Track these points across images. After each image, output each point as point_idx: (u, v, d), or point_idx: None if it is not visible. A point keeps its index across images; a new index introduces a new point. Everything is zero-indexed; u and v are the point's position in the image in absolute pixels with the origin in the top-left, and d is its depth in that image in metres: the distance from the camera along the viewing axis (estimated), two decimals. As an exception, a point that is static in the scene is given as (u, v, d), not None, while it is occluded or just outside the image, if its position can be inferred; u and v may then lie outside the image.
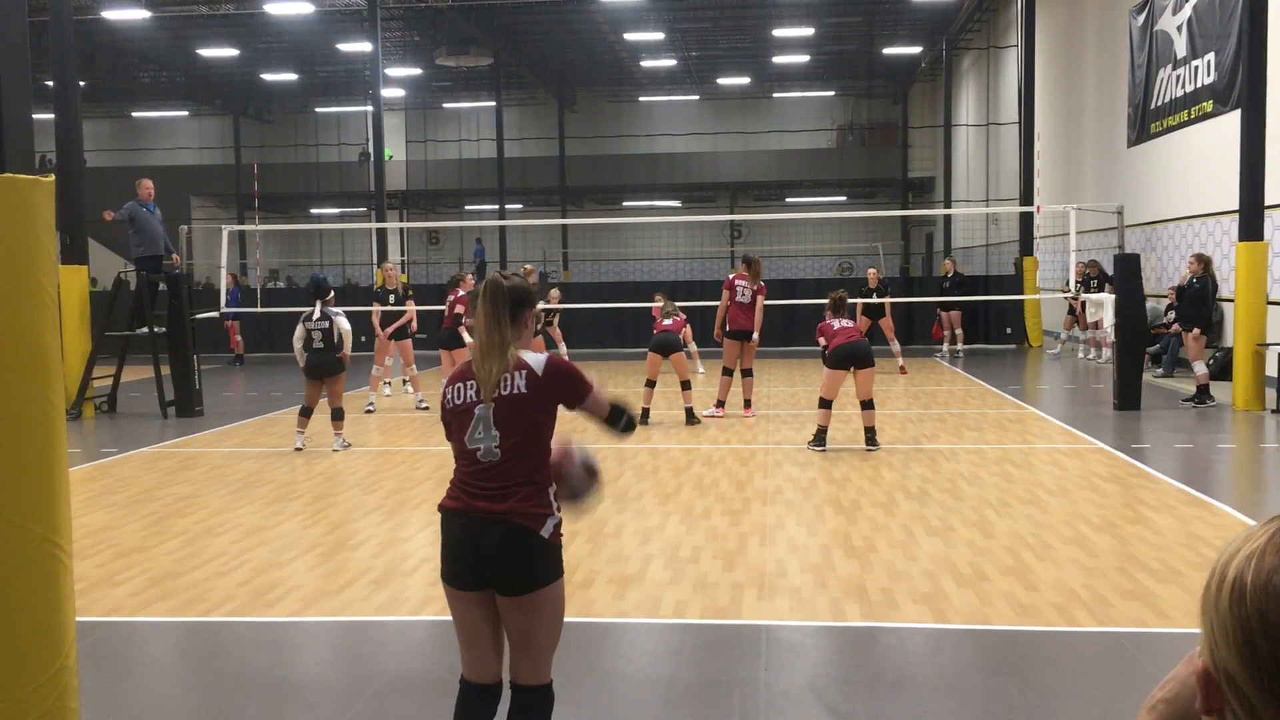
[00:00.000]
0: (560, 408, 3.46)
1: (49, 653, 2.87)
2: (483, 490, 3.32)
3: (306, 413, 10.89)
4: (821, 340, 10.41)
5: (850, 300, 11.80)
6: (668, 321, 12.66)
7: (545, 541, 3.32)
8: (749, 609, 5.56)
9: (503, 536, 3.27)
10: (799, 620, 5.40)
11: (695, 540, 6.97)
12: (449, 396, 3.42)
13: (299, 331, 10.77)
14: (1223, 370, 13.68)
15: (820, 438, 10.31)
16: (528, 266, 14.64)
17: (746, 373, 12.52)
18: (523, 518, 3.29)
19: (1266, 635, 0.93)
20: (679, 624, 5.41)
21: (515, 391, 3.33)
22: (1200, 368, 12.80)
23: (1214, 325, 13.52)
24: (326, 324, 10.68)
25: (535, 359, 3.40)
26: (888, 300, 17.68)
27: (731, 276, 12.40)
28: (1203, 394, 12.75)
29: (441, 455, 10.51)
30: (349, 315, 11.23)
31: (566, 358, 13.65)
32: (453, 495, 3.40)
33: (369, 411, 13.57)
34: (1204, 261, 13.15)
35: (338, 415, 10.85)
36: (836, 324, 10.28)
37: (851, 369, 10.12)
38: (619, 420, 3.62)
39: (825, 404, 10.29)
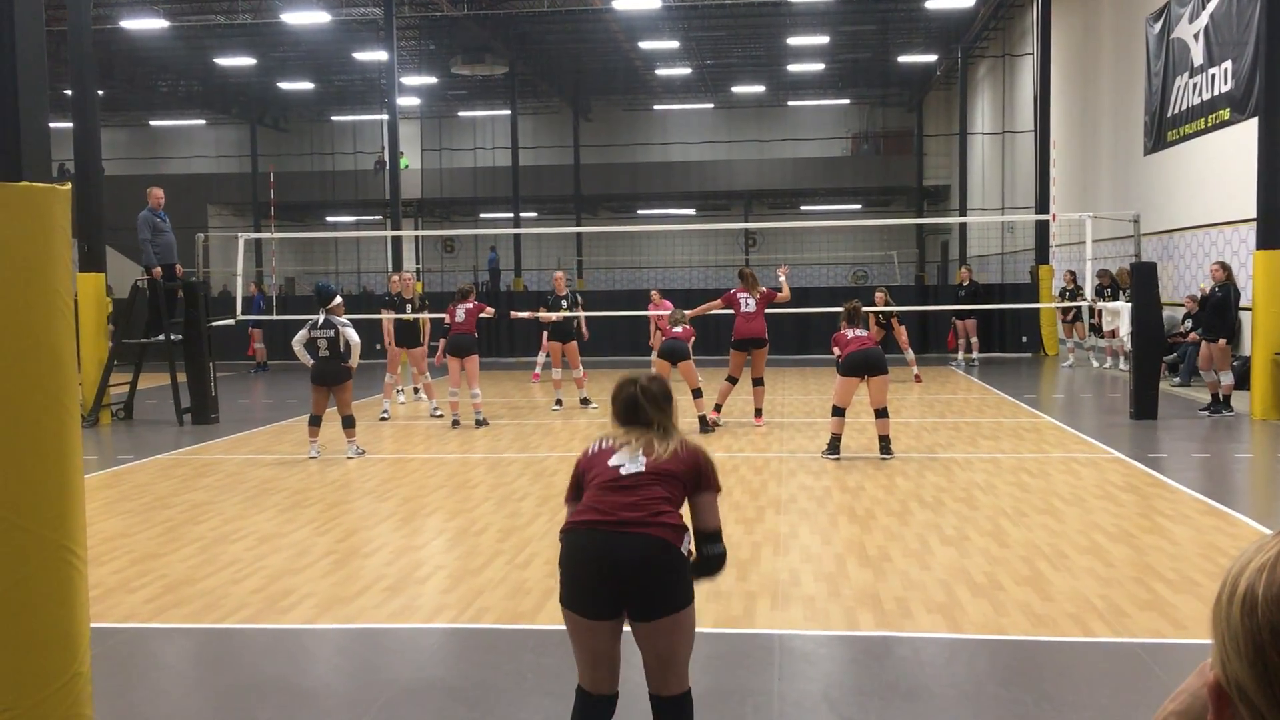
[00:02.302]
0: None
1: (64, 658, 2.88)
2: (621, 504, 3.33)
3: (316, 421, 10.92)
4: (836, 349, 10.41)
5: (865, 309, 11.79)
6: (677, 330, 12.68)
7: (683, 559, 3.35)
8: (762, 618, 5.55)
9: (642, 551, 3.26)
10: (813, 630, 5.38)
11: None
12: (592, 449, 3.55)
13: (301, 335, 10.80)
14: (1240, 379, 13.59)
15: (834, 446, 10.29)
16: (558, 274, 14.73)
17: (758, 382, 12.51)
18: (662, 530, 3.30)
19: (1278, 647, 0.92)
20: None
21: (654, 456, 3.45)
22: (1227, 377, 12.71)
23: (1234, 334, 13.42)
24: (332, 332, 10.70)
25: (672, 443, 3.52)
26: (895, 316, 17.65)
27: (733, 291, 12.41)
28: (1223, 403, 12.67)
29: (455, 463, 10.53)
30: (364, 322, 11.26)
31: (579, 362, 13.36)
32: (582, 512, 3.40)
33: (383, 419, 13.61)
34: (1227, 269, 13.06)
35: (349, 423, 10.88)
36: (850, 333, 10.28)
37: (864, 377, 10.11)
38: (716, 546, 3.50)
39: (839, 412, 10.27)
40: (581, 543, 3.34)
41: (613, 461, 3.43)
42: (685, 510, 3.50)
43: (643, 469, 3.39)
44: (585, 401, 14.42)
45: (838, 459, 10.17)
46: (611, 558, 3.26)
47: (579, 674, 3.48)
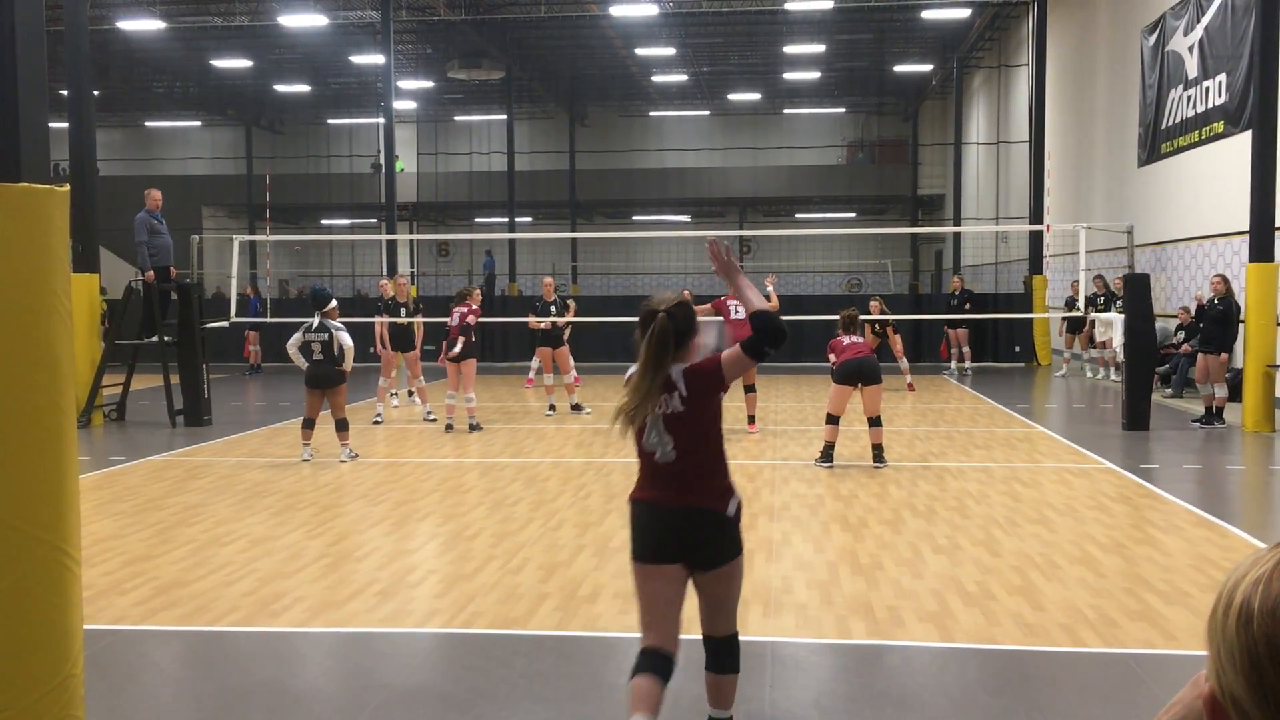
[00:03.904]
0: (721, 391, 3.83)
1: (56, 660, 2.88)
2: (669, 486, 3.72)
3: (309, 424, 10.91)
4: (832, 357, 10.43)
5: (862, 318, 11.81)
6: None
7: (730, 520, 3.76)
8: (754, 625, 5.55)
9: (696, 521, 3.70)
10: (805, 637, 5.38)
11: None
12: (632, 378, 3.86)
13: (296, 338, 10.80)
14: (1232, 392, 13.63)
15: (828, 454, 10.31)
16: (547, 279, 14.72)
17: (750, 389, 12.53)
18: (709, 500, 3.72)
19: (1273, 661, 0.93)
20: (684, 639, 5.38)
21: (672, 410, 3.73)
22: (1221, 389, 12.75)
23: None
24: (325, 336, 10.70)
25: (676, 372, 3.74)
26: (890, 325, 17.67)
27: (723, 298, 12.42)
28: (1216, 415, 12.70)
29: (448, 468, 10.53)
30: (359, 326, 11.26)
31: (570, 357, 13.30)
32: (641, 488, 3.81)
33: (377, 423, 13.60)
34: (1228, 282, 13.09)
35: (342, 426, 10.87)
36: (846, 340, 10.31)
37: (859, 385, 10.13)
38: (768, 326, 3.70)
39: (833, 420, 10.29)
40: (644, 515, 3.78)
41: (646, 447, 3.75)
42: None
43: (672, 453, 3.70)
44: (577, 408, 14.41)
45: (830, 467, 10.19)
46: (674, 530, 3.72)
47: (642, 636, 3.79)
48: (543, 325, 14.32)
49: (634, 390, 3.70)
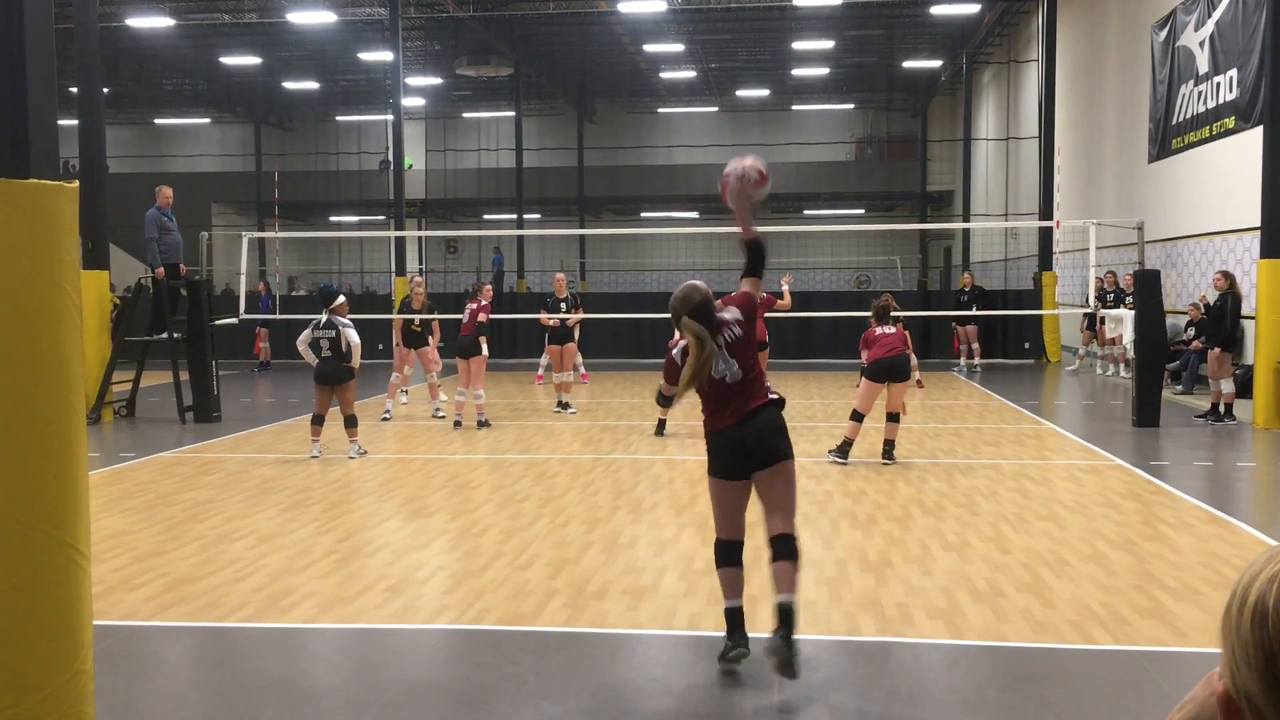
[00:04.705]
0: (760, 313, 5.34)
1: (67, 656, 2.89)
2: (733, 401, 4.86)
3: (318, 420, 10.93)
4: (864, 352, 10.26)
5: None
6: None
7: (780, 403, 4.97)
8: (763, 622, 5.54)
9: (759, 418, 4.86)
10: (813, 634, 5.38)
11: (709, 552, 6.91)
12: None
13: (305, 335, 10.85)
14: (1243, 388, 13.58)
15: (844, 450, 10.24)
16: (559, 275, 14.73)
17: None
18: (764, 398, 4.90)
19: (1289, 658, 0.92)
20: (693, 636, 5.40)
21: (734, 338, 4.93)
22: (1227, 385, 12.70)
23: (1236, 342, 13.37)
24: (333, 333, 10.72)
25: (723, 313, 4.98)
26: (900, 322, 17.62)
27: (733, 294, 12.38)
28: (1226, 412, 12.66)
29: (457, 464, 10.53)
30: (367, 323, 11.28)
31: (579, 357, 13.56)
32: (714, 420, 4.92)
33: (385, 419, 13.61)
34: (1229, 278, 13.05)
35: (351, 423, 10.89)
36: (879, 330, 10.15)
37: (887, 383, 10.04)
38: (758, 248, 5.20)
39: (858, 417, 10.18)
40: (721, 442, 4.91)
41: (716, 374, 4.84)
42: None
43: (739, 371, 4.87)
44: (563, 406, 14.32)
45: (844, 463, 10.15)
46: (743, 444, 4.85)
47: (717, 530, 5.04)
48: (552, 322, 14.31)
49: (698, 348, 4.76)
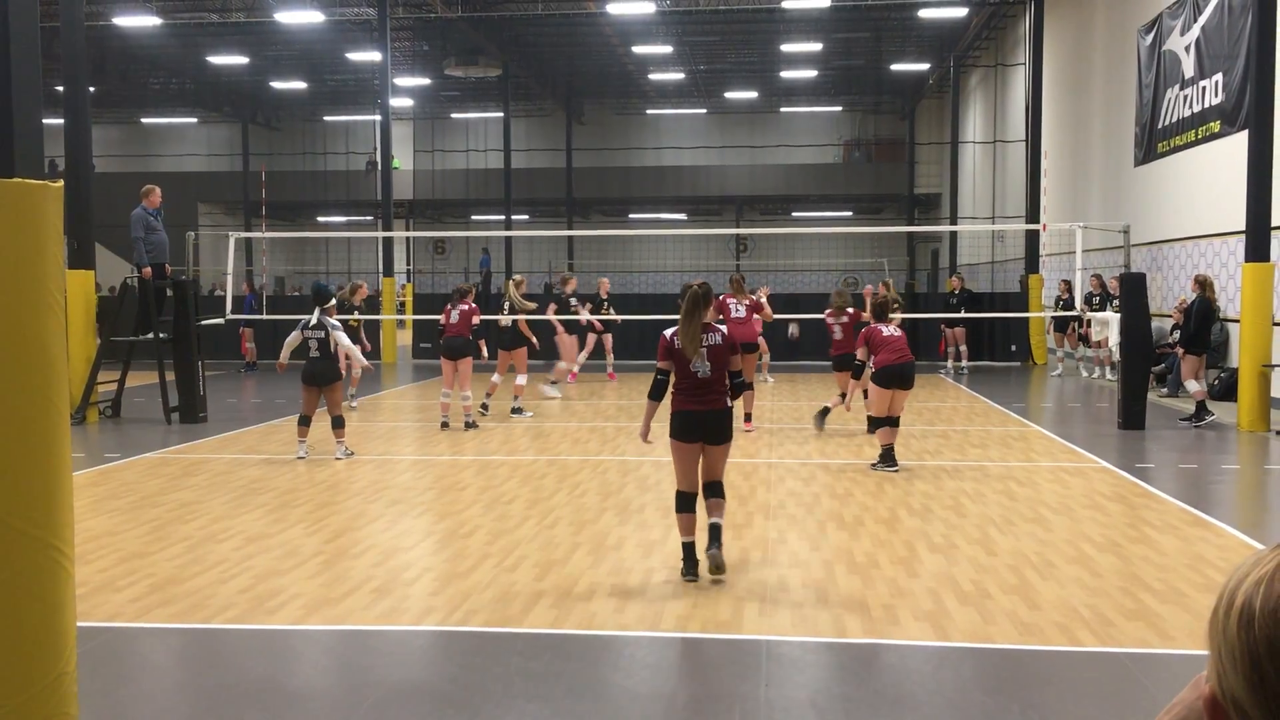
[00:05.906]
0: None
1: (50, 658, 2.87)
2: (704, 395, 6.37)
3: (305, 421, 10.90)
4: (865, 352, 10.13)
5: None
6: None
7: (730, 411, 6.52)
8: (750, 624, 5.55)
9: (717, 414, 6.40)
10: (800, 636, 5.38)
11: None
12: (674, 341, 6.41)
13: (294, 336, 10.83)
14: (1228, 391, 13.63)
15: (889, 457, 9.92)
16: (565, 275, 14.89)
17: (747, 386, 12.51)
18: (721, 403, 6.43)
19: (1275, 662, 0.92)
20: (680, 638, 5.40)
21: (713, 344, 6.41)
22: (1193, 385, 12.72)
23: (1208, 346, 13.29)
24: (323, 333, 10.69)
25: (715, 326, 6.52)
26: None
27: (722, 296, 12.40)
28: (1200, 410, 12.69)
29: (444, 465, 10.51)
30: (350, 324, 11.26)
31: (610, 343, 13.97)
32: (682, 401, 6.40)
33: (352, 409, 13.64)
34: (1201, 283, 13.05)
35: (338, 423, 10.85)
36: (885, 331, 10.01)
37: (894, 389, 9.95)
38: (739, 379, 6.59)
39: (879, 423, 10.04)
40: (685, 418, 6.38)
41: (693, 369, 6.33)
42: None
43: (709, 372, 6.35)
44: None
45: (896, 470, 9.90)
46: (701, 424, 6.36)
47: (678, 481, 6.47)
48: (596, 323, 14.53)
49: (688, 327, 6.32)
